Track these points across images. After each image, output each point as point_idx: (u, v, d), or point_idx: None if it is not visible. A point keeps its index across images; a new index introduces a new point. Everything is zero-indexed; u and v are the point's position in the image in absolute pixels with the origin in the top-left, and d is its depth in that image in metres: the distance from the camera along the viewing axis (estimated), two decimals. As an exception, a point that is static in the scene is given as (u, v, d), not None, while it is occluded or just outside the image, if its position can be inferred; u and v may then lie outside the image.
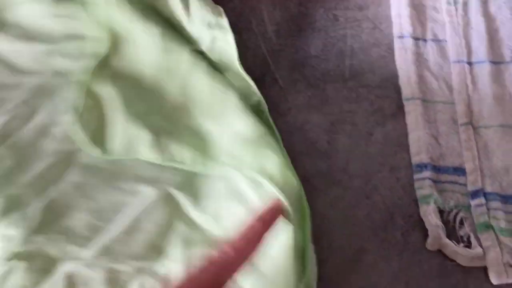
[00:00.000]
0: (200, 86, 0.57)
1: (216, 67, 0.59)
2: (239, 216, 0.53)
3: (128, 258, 0.52)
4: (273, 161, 0.52)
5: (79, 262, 0.52)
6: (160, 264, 0.52)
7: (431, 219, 0.54)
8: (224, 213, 0.54)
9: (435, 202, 0.54)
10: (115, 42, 0.58)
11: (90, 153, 0.54)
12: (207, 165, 0.54)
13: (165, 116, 0.57)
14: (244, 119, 0.55)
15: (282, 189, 0.51)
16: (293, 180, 0.52)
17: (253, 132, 0.54)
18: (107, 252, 0.52)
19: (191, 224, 0.54)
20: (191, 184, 0.55)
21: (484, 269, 0.54)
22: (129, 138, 0.54)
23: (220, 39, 0.59)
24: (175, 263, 0.52)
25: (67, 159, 0.56)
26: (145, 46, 0.57)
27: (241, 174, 0.53)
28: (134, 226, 0.53)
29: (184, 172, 0.55)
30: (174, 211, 0.54)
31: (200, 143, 0.55)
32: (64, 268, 0.52)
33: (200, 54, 0.59)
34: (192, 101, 0.57)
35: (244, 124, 0.55)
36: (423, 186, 0.55)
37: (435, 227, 0.54)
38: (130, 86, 0.57)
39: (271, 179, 0.52)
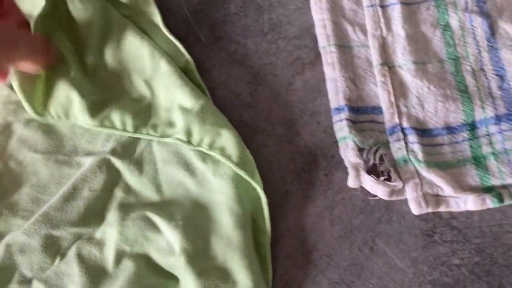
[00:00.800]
0: (134, 50, 0.59)
1: (143, 31, 0.62)
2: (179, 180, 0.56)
3: (66, 225, 0.55)
4: (225, 135, 0.55)
5: (18, 231, 0.55)
6: (98, 230, 0.55)
7: (350, 157, 0.57)
8: (163, 178, 0.57)
9: (354, 141, 0.57)
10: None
11: (30, 114, 0.56)
12: (149, 132, 0.57)
13: (102, 80, 0.59)
14: (183, 88, 0.57)
15: (239, 165, 0.54)
16: (247, 153, 0.56)
17: (195, 102, 0.57)
18: (46, 219, 0.55)
19: (129, 189, 0.57)
20: (131, 152, 0.58)
21: (406, 202, 0.57)
22: (67, 102, 0.56)
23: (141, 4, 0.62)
24: (111, 227, 0.55)
25: (7, 133, 0.59)
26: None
27: (187, 145, 0.56)
28: (74, 194, 0.56)
29: (125, 140, 0.58)
30: (114, 178, 0.57)
31: (139, 109, 0.58)
32: (6, 239, 0.55)
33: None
34: (126, 65, 0.59)
35: (184, 93, 0.57)
36: (342, 127, 0.58)
37: (354, 165, 0.57)
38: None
39: (224, 152, 0.55)
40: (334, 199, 0.58)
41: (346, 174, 0.58)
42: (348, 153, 0.57)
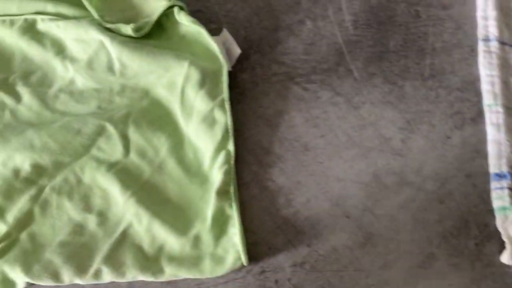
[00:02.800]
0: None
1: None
2: None
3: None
4: None
5: None
6: None
7: (510, 231, 0.54)
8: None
9: (515, 214, 0.55)
10: None
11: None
12: None
13: None
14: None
15: None
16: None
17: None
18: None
19: None
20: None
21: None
22: None
23: None
24: None
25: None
26: None
27: None
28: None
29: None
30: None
31: None
32: None
33: None
34: None
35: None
36: (502, 196, 0.56)
37: (512, 240, 0.54)
38: None
39: None
40: (483, 273, 0.55)
41: (500, 247, 0.55)
42: (508, 227, 0.55)
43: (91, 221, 0.57)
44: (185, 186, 0.59)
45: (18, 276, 0.55)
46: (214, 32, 0.63)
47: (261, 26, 0.65)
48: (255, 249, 0.56)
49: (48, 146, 0.59)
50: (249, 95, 0.62)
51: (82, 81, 0.62)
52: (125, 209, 0.57)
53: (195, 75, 0.60)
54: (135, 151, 0.59)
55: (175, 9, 0.62)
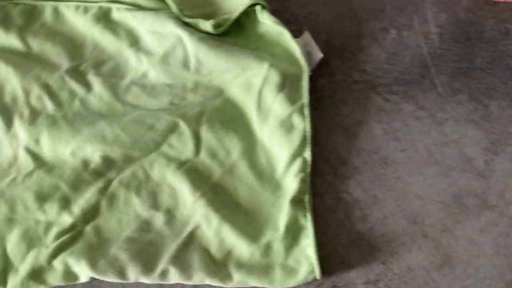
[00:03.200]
0: None
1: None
2: None
3: None
4: None
5: None
6: None
7: None
8: None
9: None
10: None
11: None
12: None
13: None
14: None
15: None
16: None
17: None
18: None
19: None
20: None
21: None
22: None
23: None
24: None
25: None
26: None
27: None
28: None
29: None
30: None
31: None
32: None
33: None
34: None
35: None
36: None
37: None
38: None
39: None
40: None
41: None
42: None
43: (159, 219, 0.56)
44: (257, 191, 0.57)
45: (83, 270, 0.54)
46: (293, 34, 0.61)
47: (343, 32, 0.64)
48: (327, 262, 0.55)
49: (120, 139, 0.58)
50: (327, 101, 0.61)
51: (155, 75, 0.61)
52: (194, 210, 0.56)
53: (274, 77, 0.58)
54: (206, 150, 0.58)
55: (258, 8, 0.61)
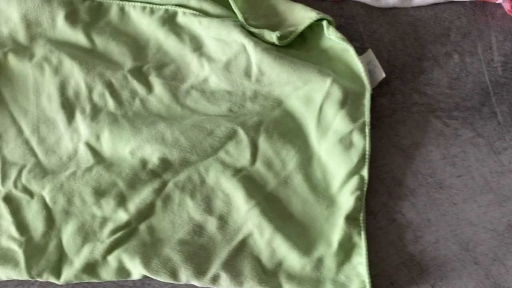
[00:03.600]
0: None
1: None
2: None
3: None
4: None
5: None
6: None
7: None
8: None
9: None
10: None
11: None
12: None
13: None
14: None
15: None
16: None
17: None
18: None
19: None
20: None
21: None
22: None
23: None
24: None
25: None
26: None
27: None
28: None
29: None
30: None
31: None
32: None
33: None
34: None
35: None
36: None
37: None
38: None
39: None
40: None
41: None
42: None
43: (211, 224, 0.58)
44: (310, 204, 0.58)
45: (136, 268, 0.56)
46: (356, 51, 0.62)
47: (405, 53, 0.64)
48: (377, 282, 0.56)
49: (179, 142, 0.59)
50: (386, 121, 0.62)
51: (215, 81, 0.63)
52: (247, 218, 0.57)
53: (336, 94, 0.59)
54: (262, 160, 0.59)
55: (324, 23, 0.62)
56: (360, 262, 0.55)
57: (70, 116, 0.62)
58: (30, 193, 0.59)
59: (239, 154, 0.60)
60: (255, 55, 0.62)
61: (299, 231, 0.57)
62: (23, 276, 0.55)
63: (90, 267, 0.56)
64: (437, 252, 0.57)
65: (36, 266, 0.56)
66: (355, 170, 0.58)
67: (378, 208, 0.58)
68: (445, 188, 0.59)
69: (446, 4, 0.66)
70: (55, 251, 0.57)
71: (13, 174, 0.59)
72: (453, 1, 0.66)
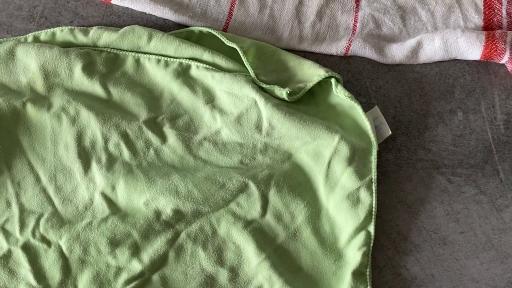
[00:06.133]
0: None
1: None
2: None
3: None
4: None
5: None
6: None
7: None
8: None
9: None
10: None
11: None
12: None
13: None
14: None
15: None
16: None
17: None
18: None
19: None
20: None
21: None
22: None
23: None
24: None
25: None
26: None
27: None
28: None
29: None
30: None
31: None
32: None
33: None
34: None
35: None
36: None
37: None
38: None
39: None
40: None
41: None
42: None
43: (223, 275, 0.62)
44: (319, 258, 0.62)
45: None
46: (362, 106, 0.66)
47: (411, 109, 0.69)
48: (382, 336, 0.60)
49: (192, 195, 0.63)
50: (392, 177, 0.66)
51: (227, 134, 0.67)
52: (258, 271, 0.61)
53: (344, 150, 0.64)
54: (272, 213, 0.64)
55: (333, 81, 0.66)
56: None
57: (86, 166, 0.65)
58: (47, 242, 0.63)
59: (250, 206, 0.64)
60: (265, 110, 0.66)
61: (308, 285, 0.61)
62: (41, 324, 0.59)
63: None
64: (440, 307, 0.61)
65: None
66: (362, 226, 0.62)
67: (383, 263, 0.63)
68: (449, 244, 0.63)
69: (451, 62, 0.70)
70: None
71: (31, 222, 0.63)
72: (458, 59, 0.70)
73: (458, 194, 0.65)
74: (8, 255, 0.62)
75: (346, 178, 0.63)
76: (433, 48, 0.69)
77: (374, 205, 0.63)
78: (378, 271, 0.62)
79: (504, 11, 0.72)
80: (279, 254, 0.62)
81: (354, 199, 0.63)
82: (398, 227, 0.64)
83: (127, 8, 0.73)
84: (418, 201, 0.65)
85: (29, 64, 0.68)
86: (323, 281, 0.62)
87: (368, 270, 0.61)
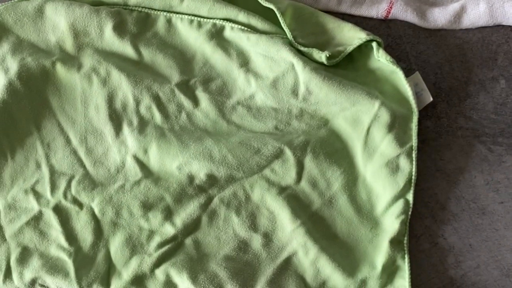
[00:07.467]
0: None
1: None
2: None
3: None
4: None
5: None
6: None
7: None
8: None
9: None
10: None
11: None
12: None
13: None
14: None
15: None
16: None
17: None
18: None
19: None
20: None
21: None
22: None
23: None
24: None
25: None
26: None
27: None
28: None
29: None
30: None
31: None
32: None
33: None
34: None
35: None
36: None
37: None
38: None
39: None
40: None
41: None
42: None
43: (256, 241, 0.62)
44: (355, 225, 0.63)
45: (184, 282, 0.61)
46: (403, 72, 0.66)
47: (452, 76, 0.68)
48: (418, 304, 0.61)
49: (226, 160, 0.64)
50: (431, 145, 0.66)
51: (262, 98, 0.67)
52: (292, 237, 0.62)
53: (384, 117, 0.63)
54: (307, 179, 0.64)
55: (374, 45, 0.65)
56: (402, 285, 0.60)
57: (117, 128, 0.66)
58: (79, 204, 0.63)
59: (285, 173, 0.64)
60: (303, 74, 0.65)
61: (343, 252, 0.62)
62: (73, 286, 0.60)
63: (139, 280, 0.61)
64: (477, 277, 0.61)
65: (86, 277, 0.61)
66: (401, 194, 0.62)
67: (421, 231, 0.63)
68: (488, 214, 0.63)
69: (494, 27, 0.69)
70: (103, 262, 0.62)
71: (62, 184, 0.64)
72: (502, 25, 0.69)
73: (499, 164, 0.65)
74: (39, 217, 0.63)
75: (385, 145, 0.63)
76: (477, 12, 0.68)
77: (414, 173, 0.62)
78: (415, 240, 0.63)
79: (551, -24, 0.71)
80: (314, 221, 0.63)
81: (393, 167, 0.63)
82: (436, 196, 0.64)
83: (160, -34, 0.71)
84: (457, 170, 0.65)
85: (58, 22, 0.67)
86: (359, 248, 0.62)
87: (405, 238, 0.61)
